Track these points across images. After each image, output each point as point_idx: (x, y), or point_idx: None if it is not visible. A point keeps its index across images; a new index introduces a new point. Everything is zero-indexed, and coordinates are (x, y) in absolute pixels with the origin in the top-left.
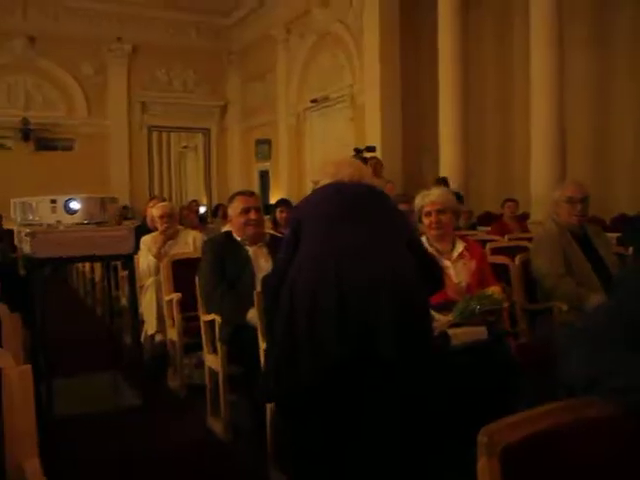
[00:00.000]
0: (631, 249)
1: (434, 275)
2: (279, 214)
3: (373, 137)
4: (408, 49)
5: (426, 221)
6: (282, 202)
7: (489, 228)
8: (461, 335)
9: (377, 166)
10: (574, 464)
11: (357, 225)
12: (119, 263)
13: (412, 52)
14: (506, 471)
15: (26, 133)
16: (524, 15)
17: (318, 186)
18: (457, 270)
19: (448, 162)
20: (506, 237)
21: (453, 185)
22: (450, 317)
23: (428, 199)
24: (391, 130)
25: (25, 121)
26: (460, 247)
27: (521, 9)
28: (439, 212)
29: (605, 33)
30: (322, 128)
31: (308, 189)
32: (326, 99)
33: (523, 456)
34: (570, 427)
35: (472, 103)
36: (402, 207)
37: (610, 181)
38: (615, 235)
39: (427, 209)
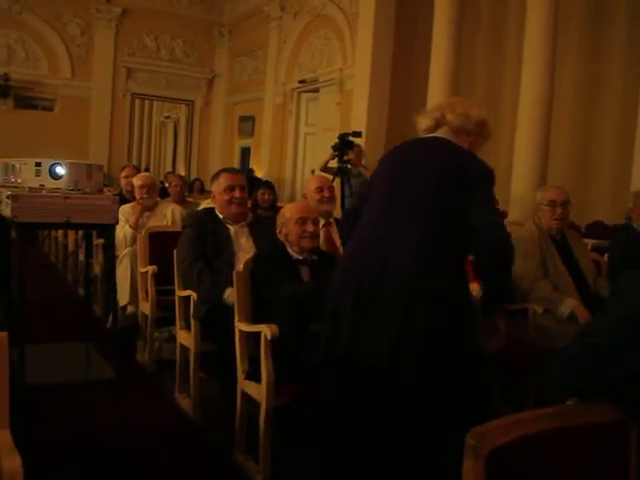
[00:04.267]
0: (606, 256)
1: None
2: (261, 196)
3: (358, 124)
4: (402, 39)
5: None
6: (265, 184)
7: None
8: None
9: (359, 154)
10: (560, 470)
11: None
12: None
13: (405, 43)
14: (491, 474)
15: (6, 89)
16: (519, 17)
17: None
18: None
19: None
20: None
21: None
22: None
23: None
24: (377, 119)
25: (5, 76)
26: None
27: (517, 11)
28: None
29: (597, 41)
30: (308, 110)
31: (289, 168)
32: (315, 81)
33: (509, 460)
34: (557, 433)
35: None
36: None
37: (588, 188)
38: (591, 241)
39: None
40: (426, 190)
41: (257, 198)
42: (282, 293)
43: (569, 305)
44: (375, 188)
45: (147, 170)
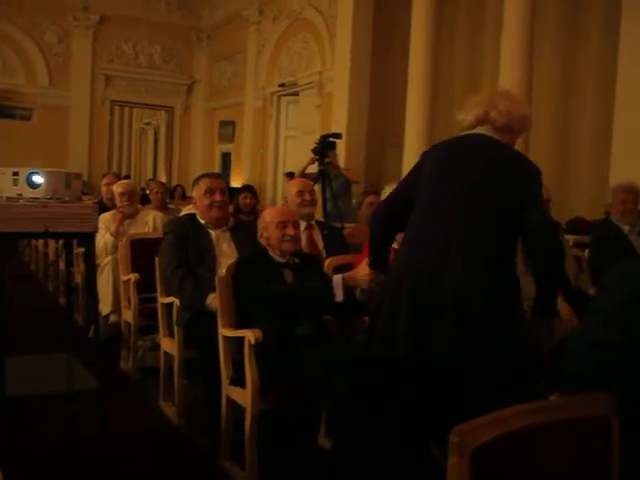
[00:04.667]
0: (587, 251)
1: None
2: (242, 200)
3: (339, 126)
4: (380, 41)
5: None
6: (246, 188)
7: None
8: None
9: (335, 155)
10: (544, 465)
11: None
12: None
13: (384, 45)
14: (476, 471)
15: None
16: (497, 15)
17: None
18: None
19: (412, 156)
20: None
21: None
22: None
23: None
24: (357, 121)
25: None
26: None
27: (494, 9)
28: None
29: (574, 40)
30: (288, 113)
31: (270, 173)
32: (294, 84)
33: (494, 457)
34: (541, 428)
35: (440, 100)
36: (370, 199)
37: (568, 184)
38: (572, 237)
39: None
40: (475, 190)
41: (239, 202)
42: (266, 293)
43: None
44: (422, 189)
45: (127, 177)
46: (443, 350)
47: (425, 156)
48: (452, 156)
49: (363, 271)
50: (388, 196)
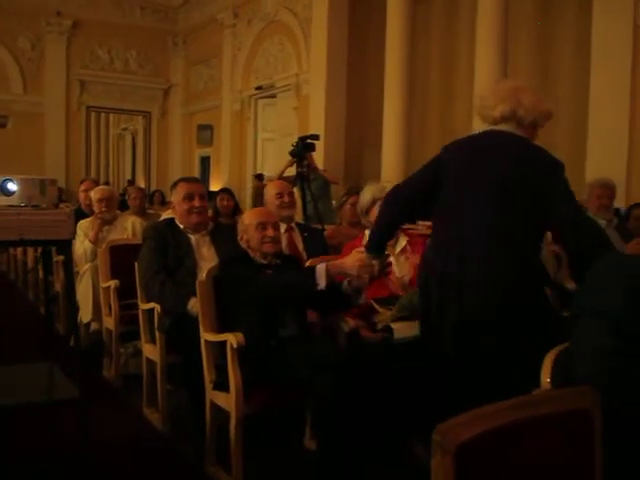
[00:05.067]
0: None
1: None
2: (219, 202)
3: (316, 128)
4: (356, 42)
5: None
6: (223, 190)
7: (429, 222)
8: (405, 329)
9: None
10: (528, 460)
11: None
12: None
13: (360, 45)
14: (460, 469)
15: None
16: (471, 14)
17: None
18: (400, 265)
19: (390, 156)
20: None
21: (395, 180)
22: (394, 311)
23: (385, 191)
24: (334, 122)
25: None
26: (403, 242)
27: (468, 8)
28: None
29: (548, 33)
30: (266, 116)
31: (249, 176)
32: (271, 87)
33: (477, 454)
34: (524, 424)
35: (417, 98)
36: (353, 199)
37: None
38: (549, 234)
39: None
40: (505, 185)
41: (217, 205)
42: (253, 286)
43: None
44: (449, 184)
45: (107, 183)
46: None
47: (447, 151)
48: (479, 153)
49: (352, 258)
50: (404, 183)
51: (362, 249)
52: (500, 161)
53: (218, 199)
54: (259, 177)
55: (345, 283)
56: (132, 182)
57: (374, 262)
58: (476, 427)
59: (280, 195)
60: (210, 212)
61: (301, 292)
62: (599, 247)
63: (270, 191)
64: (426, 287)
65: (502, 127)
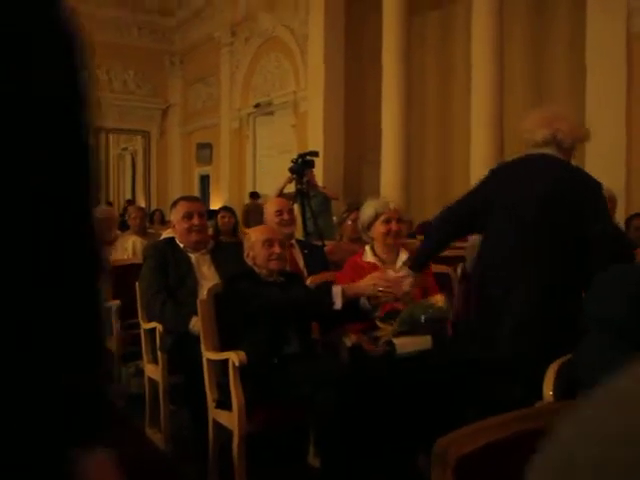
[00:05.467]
0: None
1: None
2: (221, 220)
3: (315, 145)
4: (352, 58)
5: (383, 229)
6: (224, 208)
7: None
8: (407, 344)
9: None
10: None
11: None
12: None
13: (356, 61)
14: None
15: None
16: (465, 24)
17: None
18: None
19: (389, 172)
20: None
21: (394, 195)
22: (395, 326)
23: (388, 206)
24: (333, 138)
25: None
26: (404, 256)
27: (463, 18)
28: (399, 221)
29: (542, 38)
30: (265, 133)
31: (248, 194)
32: (269, 104)
33: (478, 467)
34: (525, 437)
35: (414, 112)
36: (354, 215)
37: None
38: None
39: (387, 216)
40: (542, 205)
41: (217, 223)
42: (266, 301)
43: None
44: (494, 203)
45: (109, 204)
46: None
47: (494, 174)
48: (521, 174)
49: (367, 281)
50: (456, 203)
51: (377, 274)
52: (541, 181)
53: (219, 217)
54: (254, 195)
55: (363, 299)
56: (131, 202)
57: (410, 279)
58: (477, 440)
59: (280, 212)
60: (211, 230)
61: (320, 310)
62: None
63: (269, 209)
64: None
65: (544, 150)
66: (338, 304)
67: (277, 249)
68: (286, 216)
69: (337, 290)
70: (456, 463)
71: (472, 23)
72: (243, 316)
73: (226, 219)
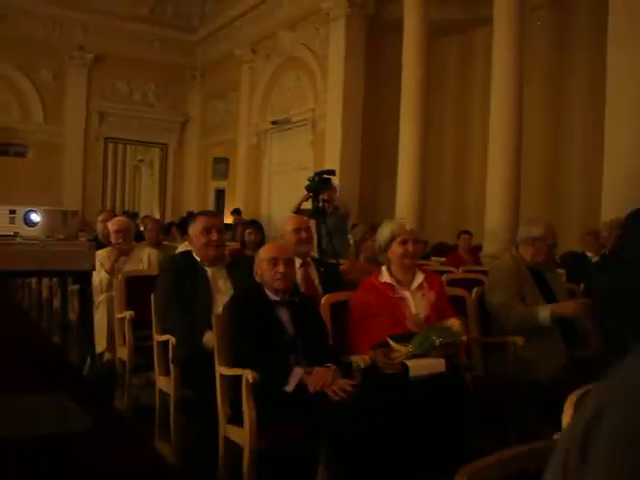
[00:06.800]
0: (582, 285)
1: None
2: (248, 236)
3: (332, 163)
4: (372, 78)
5: (399, 250)
6: (252, 223)
7: (443, 259)
8: (420, 367)
9: (333, 191)
10: None
11: None
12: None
13: (376, 81)
14: None
15: None
16: (486, 49)
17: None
18: (416, 301)
19: (405, 192)
20: (460, 269)
21: (409, 216)
22: (410, 348)
23: (405, 228)
24: (350, 157)
25: None
26: (420, 278)
27: (482, 43)
28: (415, 242)
29: (562, 68)
30: (282, 150)
31: (264, 210)
32: (287, 121)
33: None
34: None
35: (432, 135)
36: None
37: (560, 217)
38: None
39: (403, 237)
40: None
41: (244, 238)
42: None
43: (546, 309)
44: None
45: (129, 215)
46: None
47: None
48: None
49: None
50: None
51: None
52: None
53: (247, 233)
54: (236, 212)
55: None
56: (136, 214)
57: None
58: (501, 470)
59: (298, 230)
60: (237, 244)
61: (270, 387)
62: None
63: (288, 227)
64: None
65: None
66: (291, 387)
67: (282, 268)
68: (304, 234)
69: (297, 373)
70: None
71: (492, 48)
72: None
73: (253, 236)
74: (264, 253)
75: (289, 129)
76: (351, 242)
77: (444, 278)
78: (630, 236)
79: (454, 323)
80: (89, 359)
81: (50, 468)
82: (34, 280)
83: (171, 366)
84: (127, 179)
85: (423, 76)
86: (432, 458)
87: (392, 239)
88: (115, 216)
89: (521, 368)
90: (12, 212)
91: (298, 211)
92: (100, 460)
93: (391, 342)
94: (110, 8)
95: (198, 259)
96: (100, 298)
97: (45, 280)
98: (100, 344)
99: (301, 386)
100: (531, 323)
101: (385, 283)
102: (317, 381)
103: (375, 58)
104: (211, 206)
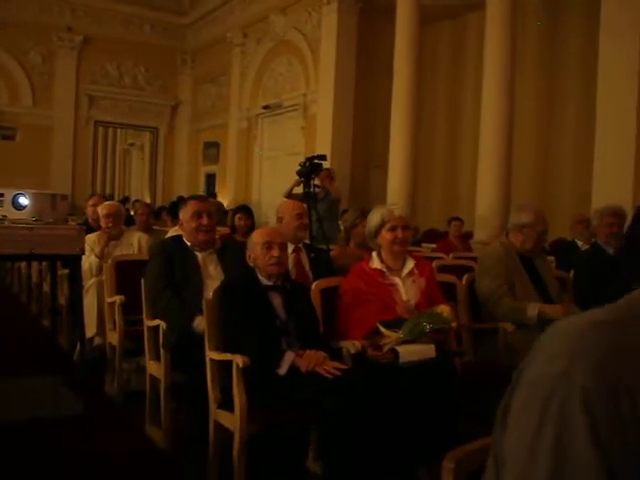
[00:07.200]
0: (572, 273)
1: None
2: (238, 221)
3: (323, 148)
4: (364, 63)
5: (389, 236)
6: (241, 208)
7: (434, 245)
8: (410, 353)
9: (327, 176)
10: None
11: None
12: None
13: (368, 67)
14: None
15: None
16: (478, 34)
17: None
18: (406, 288)
19: (396, 178)
20: (451, 255)
21: (400, 202)
22: (400, 334)
23: (394, 214)
24: (341, 142)
25: None
26: (410, 264)
27: (475, 28)
28: (405, 228)
29: (555, 57)
30: (273, 135)
31: (254, 195)
32: (279, 106)
33: None
34: None
35: (423, 121)
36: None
37: (550, 205)
38: (554, 258)
39: (393, 224)
40: None
41: (234, 223)
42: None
43: (534, 308)
44: None
45: (126, 199)
46: None
47: None
48: None
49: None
50: None
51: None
52: None
53: (236, 217)
54: (213, 196)
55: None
56: (127, 199)
57: None
58: (487, 455)
59: (300, 216)
60: (227, 229)
61: (264, 371)
62: None
63: (291, 211)
64: None
65: None
66: (283, 370)
67: (276, 252)
68: (305, 220)
69: (289, 357)
70: (468, 477)
71: (485, 33)
72: (240, 321)
73: (243, 221)
74: (258, 237)
75: (280, 114)
76: (341, 228)
77: (434, 264)
78: None
79: (444, 309)
80: (79, 344)
81: (40, 452)
82: (24, 264)
83: (161, 351)
84: (117, 163)
85: (415, 62)
86: (421, 443)
87: (382, 225)
88: (105, 200)
89: (511, 354)
90: (0, 195)
91: (289, 196)
92: (90, 445)
93: (381, 328)
94: None
95: (188, 244)
96: (90, 282)
97: (35, 264)
98: (90, 328)
99: (293, 369)
100: (519, 318)
101: (375, 269)
102: (309, 361)
103: (367, 43)
104: (202, 191)
